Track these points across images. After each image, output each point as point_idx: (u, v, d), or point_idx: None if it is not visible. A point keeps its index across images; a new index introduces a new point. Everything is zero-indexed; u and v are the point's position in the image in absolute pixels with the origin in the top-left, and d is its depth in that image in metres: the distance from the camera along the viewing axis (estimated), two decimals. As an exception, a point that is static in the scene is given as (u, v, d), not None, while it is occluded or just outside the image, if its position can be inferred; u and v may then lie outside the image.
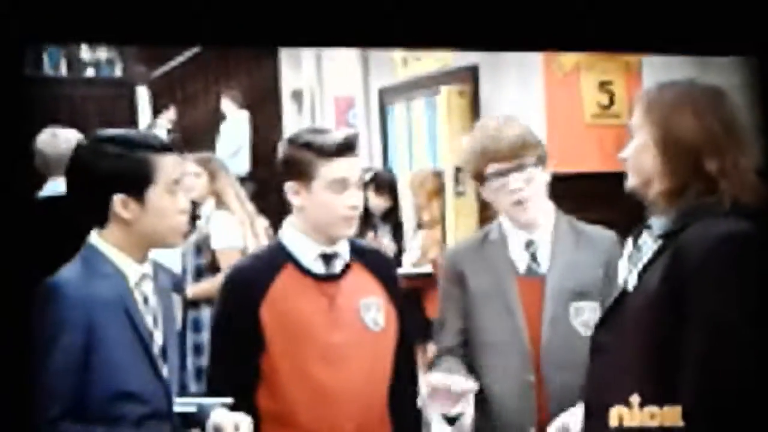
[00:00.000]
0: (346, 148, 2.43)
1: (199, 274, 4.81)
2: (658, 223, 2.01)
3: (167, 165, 2.20)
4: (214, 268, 4.73)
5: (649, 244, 2.02)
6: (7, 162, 1.90)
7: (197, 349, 4.57)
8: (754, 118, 2.12)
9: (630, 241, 2.09)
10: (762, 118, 2.16)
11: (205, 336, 4.40)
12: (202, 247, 4.81)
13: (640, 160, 2.03)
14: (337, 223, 2.45)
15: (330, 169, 2.41)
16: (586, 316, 2.56)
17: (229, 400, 2.27)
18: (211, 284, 4.44)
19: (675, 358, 1.88)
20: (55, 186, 3.73)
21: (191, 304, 4.76)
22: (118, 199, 2.15)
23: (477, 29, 2.21)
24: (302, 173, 2.42)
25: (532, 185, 2.56)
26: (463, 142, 2.70)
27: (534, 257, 2.61)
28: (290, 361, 2.41)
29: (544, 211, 2.64)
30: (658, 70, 4.25)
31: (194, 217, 4.64)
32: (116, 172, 2.15)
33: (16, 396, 1.91)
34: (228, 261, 4.35)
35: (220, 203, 4.89)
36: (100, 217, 2.18)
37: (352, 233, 2.50)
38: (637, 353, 1.95)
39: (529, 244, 2.62)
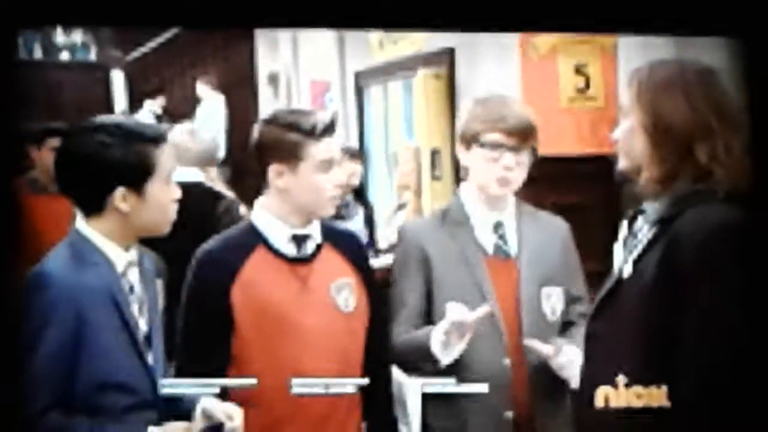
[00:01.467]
0: (332, 127, 2.43)
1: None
2: (652, 208, 1.99)
3: (165, 157, 2.20)
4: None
5: (644, 230, 1.99)
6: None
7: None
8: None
9: (624, 225, 2.07)
10: (745, 101, 2.12)
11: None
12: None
13: (629, 144, 2.00)
14: (322, 203, 2.45)
15: (318, 150, 2.41)
16: (553, 300, 2.57)
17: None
18: None
19: (671, 347, 1.87)
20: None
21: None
22: (119, 192, 2.14)
23: (453, 10, 2.21)
24: (289, 155, 2.41)
25: (519, 169, 2.58)
26: (470, 101, 2.66)
27: (503, 238, 2.61)
28: (261, 344, 2.40)
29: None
30: (633, 53, 4.26)
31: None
32: (119, 166, 2.13)
33: (4, 388, 1.90)
34: None
35: None
36: (94, 206, 2.16)
37: (332, 212, 2.50)
38: (632, 341, 1.94)
39: (497, 226, 2.62)
